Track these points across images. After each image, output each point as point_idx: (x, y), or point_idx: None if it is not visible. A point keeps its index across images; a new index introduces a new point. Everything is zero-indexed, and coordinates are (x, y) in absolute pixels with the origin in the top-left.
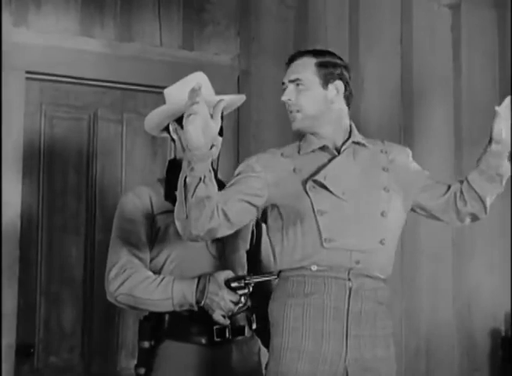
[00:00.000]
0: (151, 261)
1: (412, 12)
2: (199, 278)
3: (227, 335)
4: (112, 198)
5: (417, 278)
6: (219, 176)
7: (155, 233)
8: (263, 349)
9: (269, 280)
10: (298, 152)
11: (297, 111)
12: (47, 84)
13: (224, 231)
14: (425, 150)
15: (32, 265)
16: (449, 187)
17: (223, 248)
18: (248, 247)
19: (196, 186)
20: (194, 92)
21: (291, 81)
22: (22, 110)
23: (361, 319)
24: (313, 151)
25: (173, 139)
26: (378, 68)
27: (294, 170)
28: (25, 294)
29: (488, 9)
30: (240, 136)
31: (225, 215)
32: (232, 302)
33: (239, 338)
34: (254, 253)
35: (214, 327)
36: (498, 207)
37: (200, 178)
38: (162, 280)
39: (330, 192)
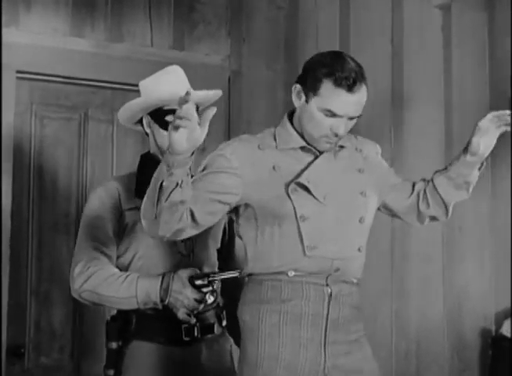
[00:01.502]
0: (118, 257)
1: (402, 12)
2: (163, 276)
3: (196, 334)
4: None
5: (407, 279)
6: None
7: (123, 229)
8: (236, 346)
9: (235, 277)
10: (276, 146)
11: (336, 140)
12: (37, 84)
13: (190, 232)
14: (415, 150)
15: (22, 265)
16: (413, 187)
17: (192, 246)
18: (219, 245)
19: (172, 191)
20: (184, 97)
21: (352, 118)
22: (12, 109)
23: (338, 326)
24: (293, 148)
25: (146, 133)
26: (368, 68)
27: (274, 168)
28: (15, 294)
29: (478, 10)
30: (231, 137)
31: (193, 216)
32: (197, 300)
33: (209, 336)
34: (227, 251)
35: (183, 326)
36: (487, 207)
37: (177, 184)
38: (126, 278)
39: (312, 196)
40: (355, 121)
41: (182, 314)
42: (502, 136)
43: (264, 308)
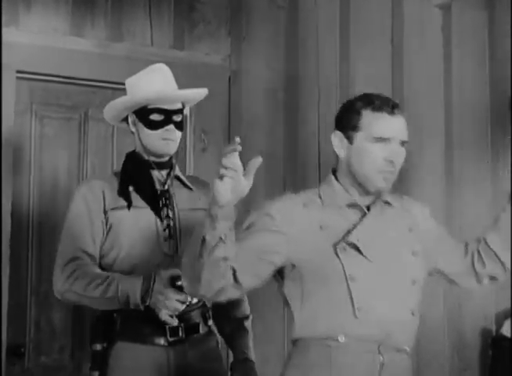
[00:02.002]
0: (102, 257)
1: (402, 12)
2: (144, 277)
3: (180, 334)
4: None
5: None
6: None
7: (107, 229)
8: (224, 345)
9: None
10: (321, 204)
11: (392, 173)
12: (37, 84)
13: (233, 293)
14: (415, 151)
15: (22, 265)
16: (466, 248)
17: (176, 246)
18: None
19: (215, 246)
20: (233, 147)
21: (403, 142)
22: (12, 109)
23: None
24: (340, 206)
25: (132, 131)
26: (368, 68)
27: (321, 227)
28: (15, 294)
29: (478, 10)
30: (231, 136)
31: (236, 276)
32: (179, 301)
33: (194, 335)
34: None
35: (167, 327)
36: (487, 207)
37: (221, 238)
38: (108, 278)
39: (362, 255)
40: (404, 151)
41: (163, 315)
42: (502, 136)
43: (312, 374)
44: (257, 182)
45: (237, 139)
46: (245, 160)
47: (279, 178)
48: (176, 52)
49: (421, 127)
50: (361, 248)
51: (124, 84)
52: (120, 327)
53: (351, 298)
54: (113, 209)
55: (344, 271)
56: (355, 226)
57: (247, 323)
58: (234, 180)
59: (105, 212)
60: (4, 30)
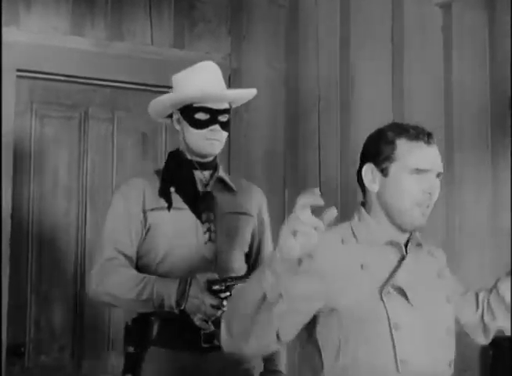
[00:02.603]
0: (140, 259)
1: (403, 11)
2: (180, 280)
3: (215, 341)
4: (103, 197)
5: None
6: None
7: (145, 230)
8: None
9: None
10: (356, 241)
11: (428, 207)
12: (37, 83)
13: (272, 347)
14: None
15: (22, 264)
16: (477, 299)
17: (217, 249)
18: (247, 249)
19: (275, 303)
20: (312, 200)
21: (439, 174)
22: (12, 108)
23: None
24: (377, 244)
25: (176, 129)
26: (369, 67)
27: (362, 267)
28: (16, 293)
29: (478, 10)
30: (231, 135)
31: (278, 332)
32: (213, 306)
33: None
34: (256, 256)
35: (202, 332)
36: (489, 205)
37: (281, 294)
38: (143, 280)
39: (407, 301)
40: (439, 182)
41: (198, 320)
42: (502, 136)
43: None
44: (257, 181)
45: (317, 191)
46: (246, 159)
47: (279, 177)
48: (176, 50)
49: (422, 124)
50: (407, 293)
51: (124, 82)
52: (155, 331)
53: (394, 349)
54: (152, 210)
55: (389, 318)
56: (397, 268)
57: None
58: (307, 237)
59: (144, 212)
60: (4, 29)
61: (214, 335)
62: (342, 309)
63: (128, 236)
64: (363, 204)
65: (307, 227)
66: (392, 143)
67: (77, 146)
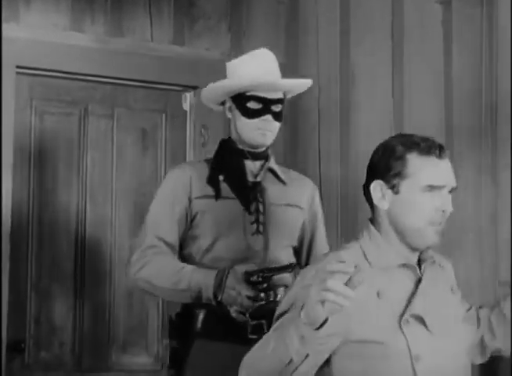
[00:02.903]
0: (184, 248)
1: (403, 7)
2: (218, 270)
3: (264, 332)
4: (102, 193)
5: None
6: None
7: (190, 218)
8: None
9: (290, 272)
10: (368, 265)
11: (441, 224)
12: (37, 80)
13: None
14: None
15: (23, 260)
16: (478, 316)
17: (265, 241)
18: (296, 243)
19: (301, 364)
20: (343, 269)
21: (452, 189)
22: (12, 105)
23: None
24: (391, 267)
25: (228, 117)
26: (369, 62)
27: (378, 294)
28: (16, 289)
29: (477, 6)
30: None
31: None
32: (250, 298)
33: None
34: (308, 252)
35: (250, 323)
36: (488, 196)
37: (308, 355)
38: (182, 270)
39: (427, 329)
40: (450, 198)
41: (234, 312)
42: (501, 129)
43: None
44: None
45: (344, 259)
46: None
47: None
48: (176, 47)
49: (422, 120)
50: (427, 321)
51: (124, 79)
52: (201, 324)
53: None
54: (198, 198)
55: (409, 349)
56: (414, 293)
57: None
58: (336, 305)
59: (190, 200)
60: (4, 25)
61: (262, 326)
62: (358, 339)
63: (170, 223)
64: (371, 221)
65: (336, 297)
66: (402, 159)
67: (76, 142)
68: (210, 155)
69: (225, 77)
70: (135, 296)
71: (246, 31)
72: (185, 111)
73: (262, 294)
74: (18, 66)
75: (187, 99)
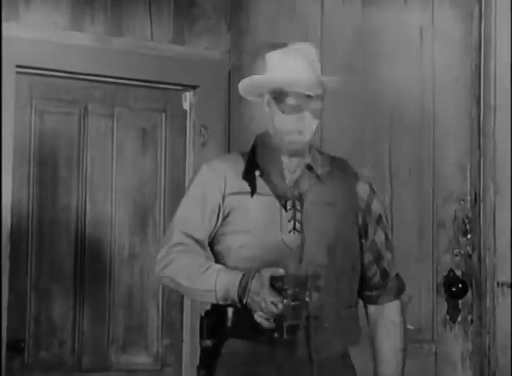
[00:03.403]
0: (215, 245)
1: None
2: (244, 272)
3: (299, 333)
4: (102, 192)
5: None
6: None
7: (223, 214)
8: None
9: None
10: None
11: None
12: (37, 79)
13: None
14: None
15: (23, 259)
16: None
17: (302, 240)
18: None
19: None
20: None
21: None
22: (12, 104)
23: None
24: None
25: (266, 111)
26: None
27: None
28: (16, 288)
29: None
30: (231, 132)
31: None
32: (274, 304)
33: None
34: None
35: (285, 324)
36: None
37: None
38: (208, 269)
39: None
40: None
41: (258, 317)
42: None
43: None
44: None
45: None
46: None
47: None
48: (176, 46)
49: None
50: None
51: (124, 78)
52: (231, 322)
53: None
54: (233, 194)
55: None
56: None
57: None
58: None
59: (223, 197)
60: (4, 24)
61: (299, 327)
62: None
63: (200, 219)
64: None
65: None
66: None
67: (76, 141)
68: (211, 155)
69: (224, 76)
70: (135, 296)
71: (246, 31)
72: (185, 111)
73: (285, 301)
74: (18, 66)
75: (187, 99)
